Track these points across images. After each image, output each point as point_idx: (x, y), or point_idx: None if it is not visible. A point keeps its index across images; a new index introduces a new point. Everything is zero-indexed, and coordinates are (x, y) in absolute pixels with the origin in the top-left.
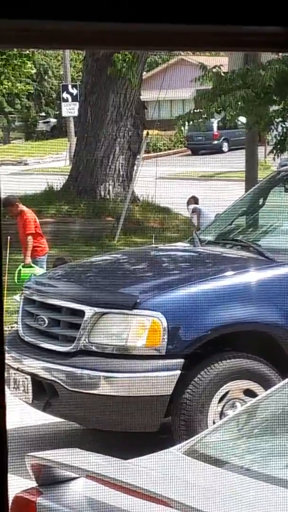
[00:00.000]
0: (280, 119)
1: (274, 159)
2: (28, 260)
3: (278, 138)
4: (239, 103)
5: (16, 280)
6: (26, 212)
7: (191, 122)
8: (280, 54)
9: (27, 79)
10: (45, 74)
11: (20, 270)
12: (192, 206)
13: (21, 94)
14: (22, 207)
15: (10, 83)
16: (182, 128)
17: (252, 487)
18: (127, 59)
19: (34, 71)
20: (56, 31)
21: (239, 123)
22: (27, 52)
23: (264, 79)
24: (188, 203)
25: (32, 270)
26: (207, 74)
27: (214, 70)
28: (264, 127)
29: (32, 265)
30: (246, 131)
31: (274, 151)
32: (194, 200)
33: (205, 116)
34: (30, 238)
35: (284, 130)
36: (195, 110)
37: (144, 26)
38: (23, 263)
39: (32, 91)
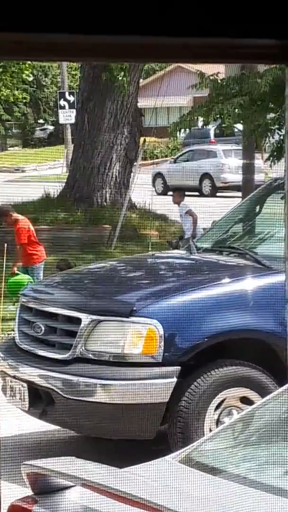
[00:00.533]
0: (276, 126)
1: (270, 166)
2: (14, 269)
3: (275, 145)
4: (236, 110)
5: (6, 290)
6: (20, 222)
7: (187, 130)
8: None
9: (24, 85)
10: (43, 81)
11: (7, 280)
12: (184, 207)
13: (19, 101)
14: (16, 216)
15: (8, 90)
16: (178, 134)
17: (249, 496)
18: (124, 67)
19: (31, 78)
20: (53, 44)
21: (236, 130)
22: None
23: (260, 86)
24: (177, 201)
25: (18, 279)
26: (204, 81)
27: (211, 77)
28: (260, 134)
29: (18, 272)
30: (243, 138)
31: (271, 158)
32: (180, 195)
33: (201, 122)
34: (20, 247)
35: (281, 137)
36: (191, 117)
37: (140, 39)
38: (10, 274)
39: (28, 99)
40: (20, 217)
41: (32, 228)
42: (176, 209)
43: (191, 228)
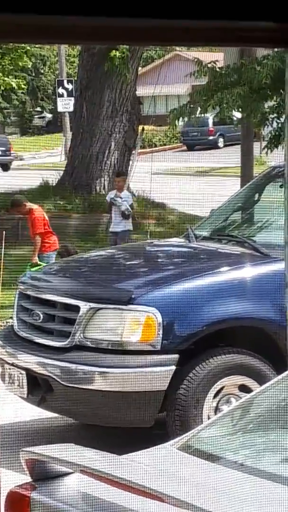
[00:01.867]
0: (275, 114)
1: (267, 153)
2: (35, 259)
3: (273, 133)
4: (234, 98)
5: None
6: (35, 211)
7: (185, 119)
8: (275, 49)
9: (23, 73)
10: (42, 68)
11: (28, 268)
12: (128, 197)
13: (17, 88)
14: (30, 205)
15: (7, 77)
16: (176, 122)
17: (247, 482)
18: (124, 56)
19: (30, 64)
20: (51, 26)
21: (234, 118)
22: (23, 45)
23: (259, 75)
24: (120, 187)
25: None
26: (202, 69)
27: (209, 65)
28: (259, 123)
29: (40, 263)
30: (241, 126)
31: (269, 145)
32: (124, 180)
33: (199, 110)
34: (38, 237)
35: (279, 125)
36: (190, 105)
37: (139, 21)
38: (30, 262)
39: (26, 87)
40: (34, 206)
41: (46, 217)
42: (175, 197)
43: (125, 224)
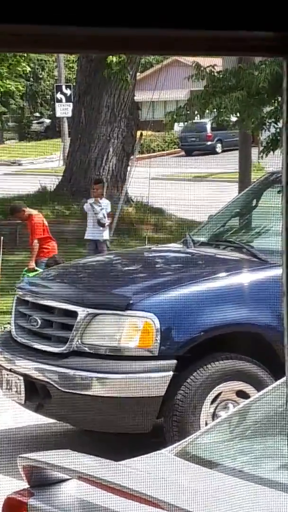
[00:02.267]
0: (272, 119)
1: (262, 157)
2: (32, 265)
3: (271, 138)
4: (232, 103)
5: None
6: (34, 216)
7: (183, 123)
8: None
9: (21, 79)
10: (40, 74)
11: (24, 274)
12: (106, 205)
13: (16, 94)
14: (29, 211)
15: (5, 82)
16: (174, 126)
17: (244, 489)
18: (121, 61)
19: (28, 69)
20: (49, 36)
21: (232, 123)
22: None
23: (257, 80)
24: (98, 195)
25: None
26: (200, 73)
27: (207, 69)
28: (256, 127)
29: (37, 269)
30: (239, 132)
31: (264, 150)
32: (102, 187)
33: (196, 113)
34: (36, 242)
35: (277, 130)
36: (187, 110)
37: (136, 31)
38: (27, 268)
39: (24, 92)
40: (34, 212)
41: (46, 222)
42: (173, 202)
43: (101, 231)
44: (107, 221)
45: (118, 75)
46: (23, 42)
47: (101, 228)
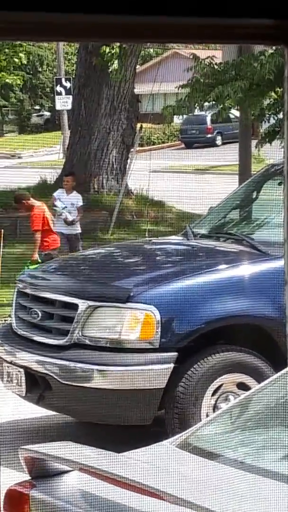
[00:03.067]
0: (272, 111)
1: (258, 148)
2: (35, 256)
3: (269, 129)
4: (232, 94)
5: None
6: (35, 208)
7: (183, 116)
8: (271, 49)
9: (20, 71)
10: (40, 66)
11: (27, 266)
12: (77, 198)
13: (15, 86)
14: (33, 201)
15: (3, 74)
16: (172, 118)
17: (246, 480)
18: (114, 52)
19: (25, 61)
20: (47, 23)
21: (232, 116)
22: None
23: (260, 71)
24: (69, 188)
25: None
26: (200, 64)
27: (207, 60)
28: (256, 119)
29: (39, 261)
30: (239, 124)
31: (262, 141)
32: (73, 179)
33: (196, 105)
34: (37, 234)
35: (277, 122)
36: (186, 102)
37: (136, 19)
38: (30, 260)
39: (22, 84)
40: (37, 203)
41: (47, 215)
42: (173, 195)
43: (71, 226)
44: (70, 217)
45: (114, 68)
46: (22, 30)
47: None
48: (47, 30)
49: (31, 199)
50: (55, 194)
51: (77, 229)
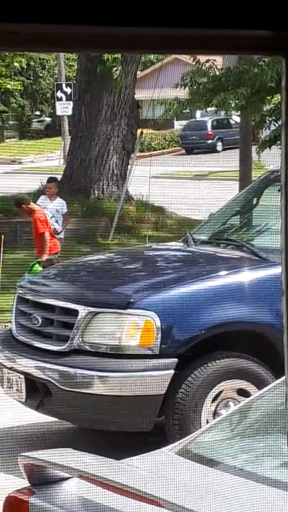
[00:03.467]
0: (273, 118)
1: (258, 154)
2: (45, 257)
3: (269, 135)
4: (234, 101)
5: (26, 274)
6: (37, 212)
7: (185, 122)
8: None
9: (21, 76)
10: (41, 72)
11: (35, 265)
12: (61, 205)
13: (15, 91)
14: (33, 205)
15: (3, 80)
16: (176, 125)
17: (245, 487)
18: (115, 58)
19: (25, 66)
20: (51, 34)
21: (233, 122)
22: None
23: (262, 78)
24: (52, 194)
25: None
26: (200, 69)
27: (207, 64)
28: (257, 125)
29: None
30: (239, 130)
31: (262, 146)
32: (56, 186)
33: (195, 107)
34: (46, 234)
35: (279, 127)
36: (185, 107)
37: (135, 30)
38: (39, 260)
39: (22, 89)
40: (37, 207)
41: (49, 219)
42: (174, 201)
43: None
44: (59, 227)
45: (115, 75)
46: (19, 41)
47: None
48: (47, 41)
49: (31, 203)
50: (39, 201)
51: (61, 236)
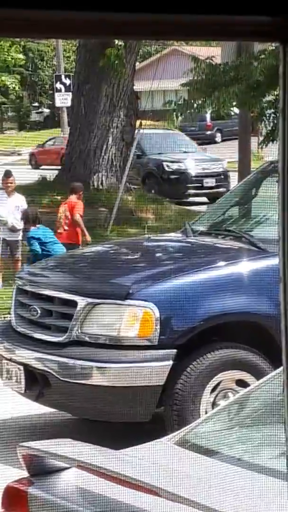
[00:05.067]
0: (272, 110)
1: (262, 148)
2: (88, 238)
3: (270, 128)
4: (231, 97)
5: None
6: (78, 203)
7: (182, 113)
8: (270, 46)
9: (20, 68)
10: (40, 63)
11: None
12: (17, 198)
13: (13, 84)
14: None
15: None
16: (175, 118)
17: (243, 477)
18: (120, 53)
19: (23, 61)
20: (42, 20)
21: (232, 113)
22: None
23: (256, 71)
24: (7, 190)
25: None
26: (199, 65)
27: (206, 61)
28: (256, 118)
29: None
30: (239, 122)
31: (265, 140)
32: (13, 180)
33: (196, 107)
34: (78, 216)
35: (277, 120)
36: (188, 101)
37: (132, 16)
38: (86, 243)
39: (20, 82)
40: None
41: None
42: None
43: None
44: (19, 225)
45: (116, 67)
46: (15, 27)
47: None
48: (40, 27)
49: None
50: None
51: (19, 236)
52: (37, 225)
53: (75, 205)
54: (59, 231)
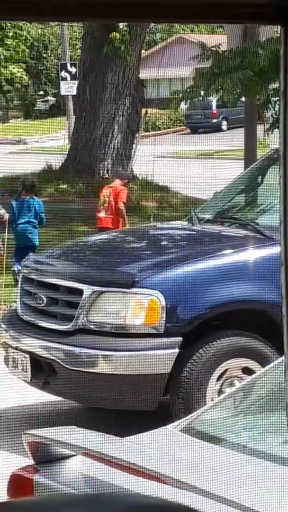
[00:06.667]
0: (278, 97)
1: (268, 135)
2: (127, 225)
3: (275, 116)
4: (236, 83)
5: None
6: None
7: (188, 101)
8: (276, 34)
9: (25, 57)
10: (45, 52)
11: None
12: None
13: (18, 74)
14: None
15: (8, 64)
16: (181, 105)
17: (249, 464)
18: (124, 38)
19: (27, 51)
20: (41, 3)
21: (239, 101)
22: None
23: (261, 58)
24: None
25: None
26: (206, 52)
27: (212, 49)
28: (262, 105)
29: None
30: (244, 109)
31: (271, 127)
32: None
33: (202, 94)
34: (122, 205)
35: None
36: (193, 89)
37: None
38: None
39: (25, 74)
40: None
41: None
42: (178, 180)
43: None
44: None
45: (121, 52)
46: (12, 10)
47: None
48: (37, 9)
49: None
50: None
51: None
52: (34, 196)
53: (120, 192)
54: (99, 214)
